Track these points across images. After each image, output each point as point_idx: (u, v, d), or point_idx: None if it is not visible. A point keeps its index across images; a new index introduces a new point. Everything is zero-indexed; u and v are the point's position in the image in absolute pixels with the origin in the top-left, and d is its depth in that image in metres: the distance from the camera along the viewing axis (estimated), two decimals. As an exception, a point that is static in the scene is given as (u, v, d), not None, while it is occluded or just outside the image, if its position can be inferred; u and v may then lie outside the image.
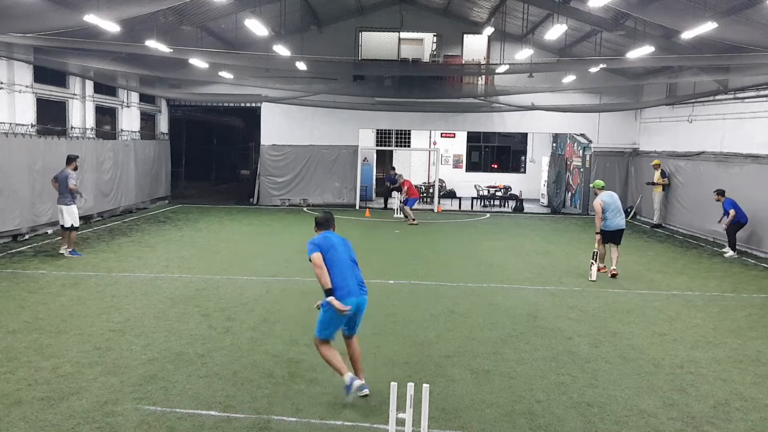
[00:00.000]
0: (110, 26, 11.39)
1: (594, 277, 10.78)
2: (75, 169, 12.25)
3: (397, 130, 25.53)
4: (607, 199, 11.40)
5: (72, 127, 16.19)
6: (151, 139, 21.13)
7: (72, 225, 11.88)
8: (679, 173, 17.89)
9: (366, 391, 5.59)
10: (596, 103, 20.94)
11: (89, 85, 16.81)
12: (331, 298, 5.48)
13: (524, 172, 27.93)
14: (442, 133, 26.44)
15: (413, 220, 17.98)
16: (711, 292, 10.37)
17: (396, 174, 20.18)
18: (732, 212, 13.36)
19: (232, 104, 22.60)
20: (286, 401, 5.56)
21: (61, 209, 11.91)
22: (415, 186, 24.55)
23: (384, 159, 26.72)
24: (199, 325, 7.72)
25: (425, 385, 4.21)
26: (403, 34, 21.95)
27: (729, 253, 13.64)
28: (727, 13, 10.92)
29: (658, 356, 7.04)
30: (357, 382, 5.55)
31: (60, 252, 11.86)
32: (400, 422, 4.26)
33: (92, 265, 11.03)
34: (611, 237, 11.27)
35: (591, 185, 12.92)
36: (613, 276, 10.93)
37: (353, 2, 20.49)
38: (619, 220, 11.30)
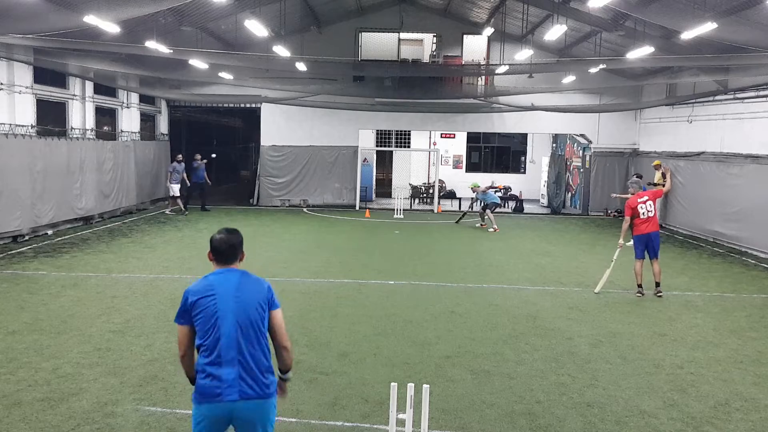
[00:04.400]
0: (110, 27, 11.40)
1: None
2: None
3: (396, 131, 25.54)
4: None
5: (72, 128, 16.20)
6: (151, 140, 21.15)
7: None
8: (679, 173, 17.89)
9: None
10: (596, 103, 20.95)
11: (89, 86, 16.83)
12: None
13: (524, 172, 27.95)
14: (442, 134, 26.45)
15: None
16: (711, 292, 10.37)
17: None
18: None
19: (232, 105, 22.61)
20: (286, 402, 5.54)
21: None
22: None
23: (384, 159, 26.74)
24: (199, 326, 7.70)
25: (425, 386, 4.21)
26: (403, 35, 21.96)
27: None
28: (727, 13, 10.92)
29: (658, 356, 7.04)
30: None
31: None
32: (400, 423, 4.26)
33: (92, 266, 11.03)
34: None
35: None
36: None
37: (353, 3, 20.49)
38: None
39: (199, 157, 19.86)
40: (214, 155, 20.00)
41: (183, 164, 19.33)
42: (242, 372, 3.27)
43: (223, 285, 3.44)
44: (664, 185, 18.09)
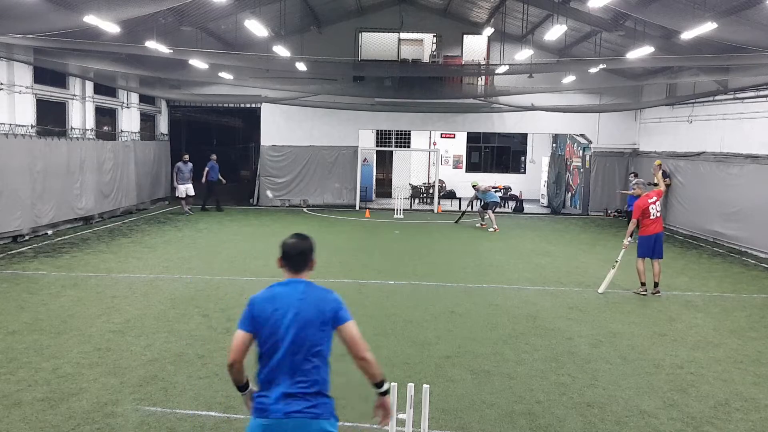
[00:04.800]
0: (110, 27, 11.40)
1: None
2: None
3: (397, 131, 25.54)
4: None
5: (72, 128, 16.20)
6: (151, 140, 21.15)
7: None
8: (678, 173, 17.90)
9: None
10: (596, 103, 20.95)
11: (89, 86, 16.82)
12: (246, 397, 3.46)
13: (524, 172, 27.95)
14: (442, 134, 26.44)
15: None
16: (711, 292, 10.37)
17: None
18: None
19: (232, 105, 22.61)
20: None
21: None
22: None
23: (384, 159, 26.74)
24: (199, 326, 7.72)
25: (425, 386, 4.21)
26: (403, 35, 21.96)
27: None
28: (727, 13, 10.92)
29: (658, 356, 7.04)
30: None
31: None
32: (401, 423, 4.26)
33: (92, 266, 11.03)
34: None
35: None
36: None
37: (353, 3, 20.49)
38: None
39: (214, 157, 20.20)
40: (214, 156, 20.16)
41: (190, 164, 19.16)
42: (291, 389, 3.14)
43: (286, 298, 3.27)
44: (665, 185, 18.19)
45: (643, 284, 9.99)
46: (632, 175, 17.26)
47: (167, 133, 22.54)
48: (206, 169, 19.80)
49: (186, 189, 19.09)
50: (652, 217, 9.86)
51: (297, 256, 3.40)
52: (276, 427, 3.14)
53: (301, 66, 17.73)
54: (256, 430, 3.21)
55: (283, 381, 3.16)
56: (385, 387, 3.36)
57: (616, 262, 10.06)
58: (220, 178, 20.07)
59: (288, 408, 3.12)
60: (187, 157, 19.35)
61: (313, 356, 3.18)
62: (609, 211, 21.54)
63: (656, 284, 9.95)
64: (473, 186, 18.25)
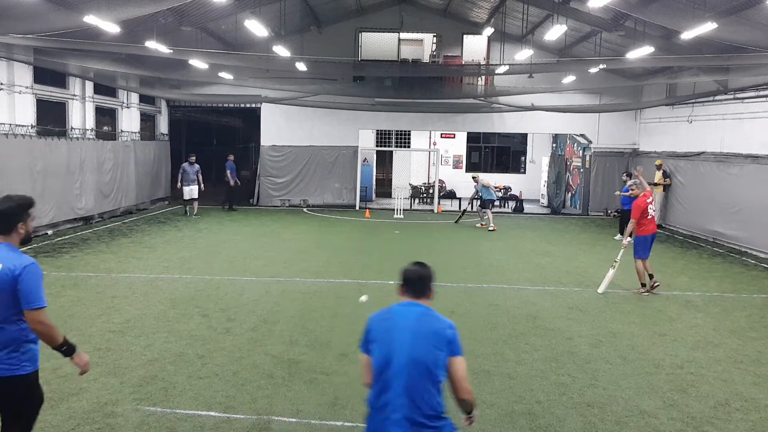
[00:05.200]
0: (110, 27, 11.40)
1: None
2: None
3: (397, 131, 25.54)
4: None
5: (72, 128, 16.20)
6: (151, 140, 21.14)
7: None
8: (679, 173, 17.90)
9: None
10: (596, 103, 20.95)
11: (89, 86, 16.82)
12: None
13: (524, 172, 27.95)
14: (442, 134, 26.45)
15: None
16: (711, 292, 10.37)
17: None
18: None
19: (232, 105, 22.60)
20: (286, 402, 5.56)
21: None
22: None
23: (384, 159, 26.74)
24: (199, 326, 7.72)
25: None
26: (403, 35, 21.96)
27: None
28: (727, 13, 10.93)
29: (658, 356, 7.04)
30: None
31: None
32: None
33: (92, 266, 11.03)
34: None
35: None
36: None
37: (353, 3, 20.50)
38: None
39: (231, 157, 20.32)
40: (231, 156, 20.36)
41: (196, 166, 18.27)
42: (407, 410, 3.10)
43: (403, 318, 3.27)
44: (664, 185, 18.19)
45: (643, 285, 10.03)
46: (625, 175, 17.22)
47: (167, 133, 22.53)
48: (227, 170, 20.01)
49: (191, 191, 18.26)
50: (649, 217, 9.97)
51: (417, 281, 3.41)
52: None
53: (301, 66, 17.73)
54: None
55: (401, 405, 3.12)
56: (475, 414, 3.38)
57: (616, 262, 10.07)
58: (236, 179, 20.30)
59: (406, 429, 3.09)
60: (193, 158, 18.55)
61: (429, 380, 3.15)
62: (609, 211, 21.54)
63: (651, 276, 10.06)
64: (473, 178, 18.29)
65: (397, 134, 26.04)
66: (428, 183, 25.78)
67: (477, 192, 18.32)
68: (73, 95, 16.32)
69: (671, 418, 5.45)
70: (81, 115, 16.62)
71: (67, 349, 3.67)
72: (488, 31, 19.25)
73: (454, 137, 27.01)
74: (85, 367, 3.77)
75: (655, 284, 10.05)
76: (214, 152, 28.85)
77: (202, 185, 18.52)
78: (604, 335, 7.77)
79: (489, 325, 8.07)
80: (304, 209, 21.26)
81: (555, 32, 15.06)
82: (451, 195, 25.37)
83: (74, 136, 16.13)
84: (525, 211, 22.55)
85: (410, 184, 24.95)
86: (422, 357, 3.14)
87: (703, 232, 16.37)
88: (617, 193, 18.37)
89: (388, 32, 21.70)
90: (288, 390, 5.82)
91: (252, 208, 21.19)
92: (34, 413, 3.77)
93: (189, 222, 17.24)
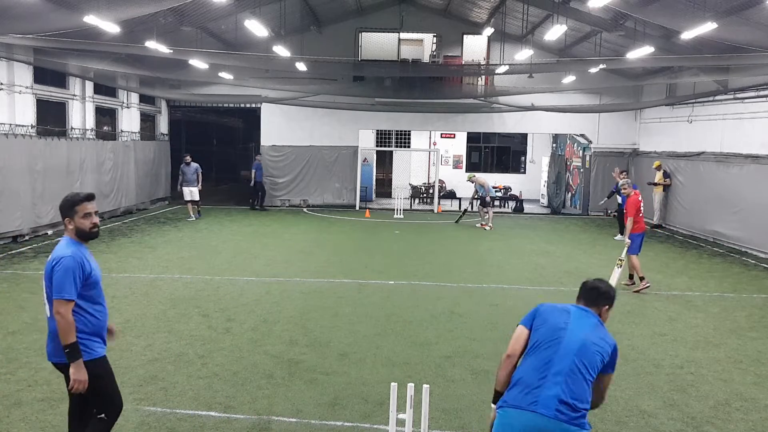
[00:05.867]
0: (110, 27, 11.40)
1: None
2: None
3: (397, 131, 25.55)
4: None
5: (72, 128, 16.21)
6: (151, 140, 21.14)
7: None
8: (679, 173, 17.90)
9: None
10: (596, 103, 20.95)
11: (89, 86, 16.83)
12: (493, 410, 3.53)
13: (524, 172, 27.95)
14: (442, 134, 26.46)
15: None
16: (711, 292, 10.37)
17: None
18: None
19: (231, 105, 22.61)
20: (286, 402, 5.56)
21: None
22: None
23: (384, 159, 26.74)
24: (199, 326, 7.72)
25: (425, 386, 4.20)
26: (403, 35, 21.95)
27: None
28: (727, 13, 10.92)
29: (658, 356, 7.04)
30: None
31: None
32: (400, 423, 4.25)
33: (92, 266, 11.01)
34: None
35: None
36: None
37: (353, 3, 20.50)
38: None
39: (259, 157, 20.57)
40: (259, 157, 20.56)
41: (192, 165, 17.65)
42: (562, 395, 3.23)
43: (581, 318, 3.53)
44: (664, 184, 18.19)
45: (642, 278, 10.15)
46: (620, 171, 17.24)
47: (167, 133, 22.53)
48: (253, 170, 20.38)
49: (191, 192, 17.76)
50: (641, 215, 10.29)
51: (594, 291, 3.67)
52: (542, 423, 3.20)
53: (301, 66, 17.73)
54: (517, 419, 3.26)
55: (555, 386, 3.25)
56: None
57: (621, 260, 10.13)
58: (262, 180, 20.61)
59: (560, 411, 3.20)
60: (189, 158, 17.91)
61: (587, 379, 3.34)
62: (609, 211, 21.52)
63: (642, 278, 10.19)
64: (469, 179, 18.32)
65: (397, 134, 26.05)
66: (428, 183, 25.78)
67: (477, 192, 18.35)
68: (73, 95, 16.32)
69: (671, 418, 5.45)
70: (81, 115, 16.63)
71: (71, 352, 3.67)
72: (488, 31, 19.25)
73: (454, 137, 27.02)
74: (76, 384, 3.70)
75: (646, 285, 10.17)
76: (215, 152, 28.89)
77: (200, 185, 17.87)
78: (604, 335, 7.76)
79: (489, 325, 8.07)
80: (304, 209, 21.26)
81: (555, 32, 15.06)
82: (451, 195, 25.36)
83: (74, 136, 16.13)
84: (525, 211, 22.55)
85: (410, 184, 24.95)
86: (589, 353, 3.37)
87: (703, 232, 16.36)
88: (601, 203, 18.85)
89: (388, 32, 21.70)
90: (288, 390, 5.82)
91: (252, 208, 21.17)
92: (100, 398, 3.88)
93: (191, 222, 17.22)
